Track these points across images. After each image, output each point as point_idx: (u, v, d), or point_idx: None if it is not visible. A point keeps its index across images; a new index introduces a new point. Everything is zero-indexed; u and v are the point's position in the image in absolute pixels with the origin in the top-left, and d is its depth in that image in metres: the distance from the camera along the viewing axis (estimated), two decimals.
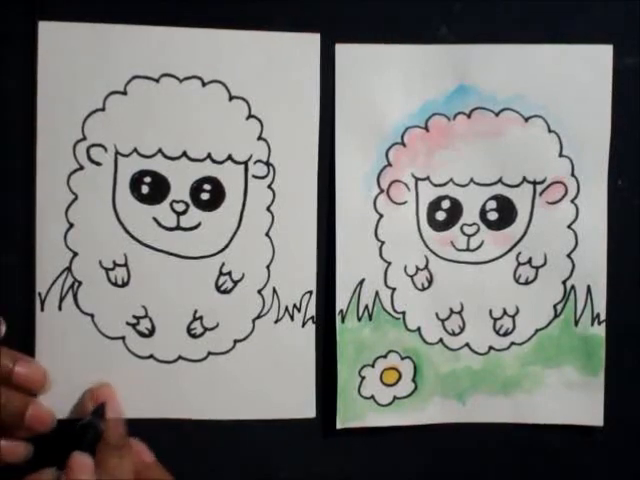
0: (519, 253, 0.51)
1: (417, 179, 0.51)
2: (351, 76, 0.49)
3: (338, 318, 0.50)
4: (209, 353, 0.50)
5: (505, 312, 0.51)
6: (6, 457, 0.45)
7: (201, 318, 0.49)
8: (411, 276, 0.51)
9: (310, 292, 0.50)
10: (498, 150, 0.50)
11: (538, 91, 0.50)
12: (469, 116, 0.50)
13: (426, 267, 0.51)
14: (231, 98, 0.49)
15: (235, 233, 0.49)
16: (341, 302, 0.50)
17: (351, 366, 0.51)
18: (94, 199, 0.48)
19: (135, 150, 0.48)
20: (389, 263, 0.51)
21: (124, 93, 0.48)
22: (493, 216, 0.51)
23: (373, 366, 0.51)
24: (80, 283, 0.48)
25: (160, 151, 0.48)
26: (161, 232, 0.49)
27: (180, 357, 0.50)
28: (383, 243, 0.51)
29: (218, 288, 0.49)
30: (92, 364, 0.49)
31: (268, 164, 0.49)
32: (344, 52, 0.49)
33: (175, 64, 0.48)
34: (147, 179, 0.48)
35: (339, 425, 0.51)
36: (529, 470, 0.53)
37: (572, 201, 0.51)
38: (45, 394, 0.48)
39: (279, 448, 0.51)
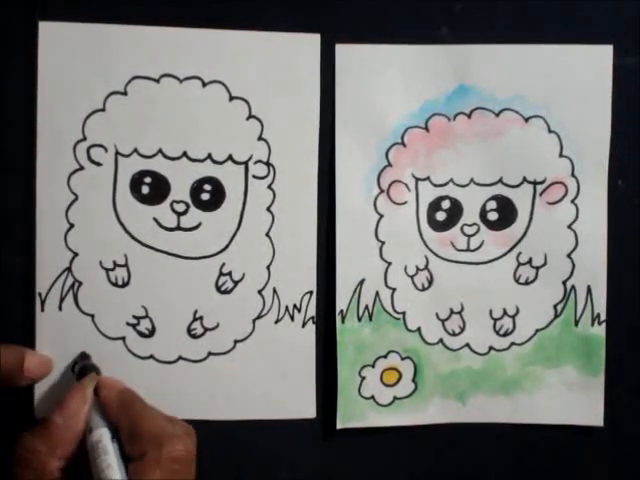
0: (519, 253, 0.51)
1: (417, 179, 0.51)
2: (351, 76, 0.49)
3: (338, 318, 0.50)
4: (209, 353, 0.50)
5: (505, 312, 0.51)
6: (35, 374, 0.47)
7: (201, 318, 0.49)
8: (411, 276, 0.51)
9: (310, 292, 0.50)
10: (498, 150, 0.50)
11: (538, 91, 0.50)
12: (469, 116, 0.50)
13: (426, 267, 0.51)
14: (231, 98, 0.49)
15: (235, 233, 0.49)
16: (341, 302, 0.50)
17: (351, 366, 0.51)
18: (94, 199, 0.48)
19: (135, 150, 0.48)
20: (389, 263, 0.51)
21: (124, 93, 0.48)
22: (493, 216, 0.51)
23: (373, 366, 0.51)
24: (80, 283, 0.48)
25: (160, 151, 0.48)
26: (161, 232, 0.49)
27: (180, 357, 0.50)
28: (383, 243, 0.51)
29: (218, 288, 0.49)
30: None
31: (268, 164, 0.49)
32: (344, 52, 0.49)
33: (175, 64, 0.48)
34: (147, 179, 0.48)
35: (339, 425, 0.51)
36: (529, 470, 0.53)
37: (572, 201, 0.51)
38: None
39: (279, 448, 0.51)
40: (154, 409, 0.45)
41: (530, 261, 0.51)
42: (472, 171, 0.51)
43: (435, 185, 0.51)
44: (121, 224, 0.48)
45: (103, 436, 0.43)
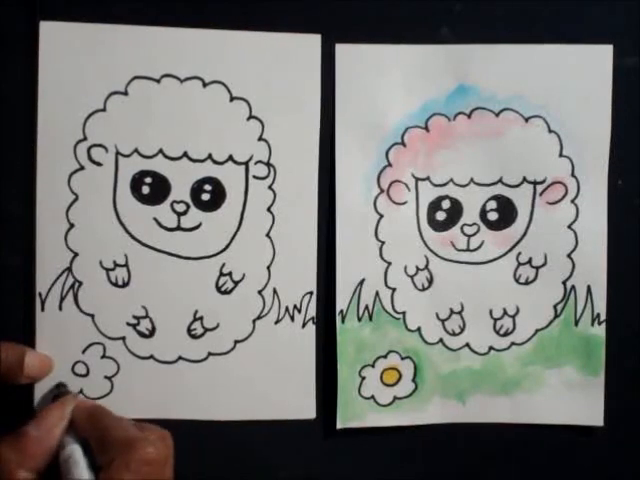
0: (519, 253, 0.51)
1: (417, 179, 0.51)
2: (351, 76, 0.49)
3: (338, 318, 0.50)
4: (209, 354, 0.50)
5: (505, 312, 0.51)
6: (35, 373, 0.47)
7: (201, 318, 0.49)
8: (411, 276, 0.51)
9: (310, 293, 0.50)
10: (498, 150, 0.50)
11: (538, 91, 0.50)
12: (469, 116, 0.50)
13: (426, 267, 0.51)
14: (232, 99, 0.49)
15: (236, 234, 0.49)
16: (341, 302, 0.50)
17: (351, 366, 0.51)
18: (95, 199, 0.48)
19: (136, 150, 0.48)
20: (389, 263, 0.51)
21: (125, 93, 0.48)
22: (493, 216, 0.51)
23: (373, 366, 0.51)
24: (80, 283, 0.48)
25: (161, 151, 0.48)
26: (162, 232, 0.49)
27: (180, 357, 0.50)
28: (383, 243, 0.51)
29: (218, 289, 0.49)
30: None
31: (269, 165, 0.49)
32: (344, 52, 0.49)
33: (176, 64, 0.48)
34: (148, 179, 0.48)
35: (339, 425, 0.51)
36: (529, 470, 0.53)
37: (572, 201, 0.51)
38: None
39: (279, 448, 0.51)
40: (124, 419, 0.45)
41: (530, 261, 0.51)
42: (472, 171, 0.51)
43: (435, 185, 0.51)
44: (121, 224, 0.48)
45: (75, 451, 0.43)
